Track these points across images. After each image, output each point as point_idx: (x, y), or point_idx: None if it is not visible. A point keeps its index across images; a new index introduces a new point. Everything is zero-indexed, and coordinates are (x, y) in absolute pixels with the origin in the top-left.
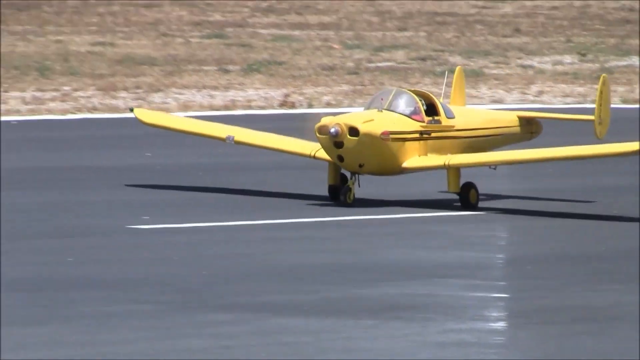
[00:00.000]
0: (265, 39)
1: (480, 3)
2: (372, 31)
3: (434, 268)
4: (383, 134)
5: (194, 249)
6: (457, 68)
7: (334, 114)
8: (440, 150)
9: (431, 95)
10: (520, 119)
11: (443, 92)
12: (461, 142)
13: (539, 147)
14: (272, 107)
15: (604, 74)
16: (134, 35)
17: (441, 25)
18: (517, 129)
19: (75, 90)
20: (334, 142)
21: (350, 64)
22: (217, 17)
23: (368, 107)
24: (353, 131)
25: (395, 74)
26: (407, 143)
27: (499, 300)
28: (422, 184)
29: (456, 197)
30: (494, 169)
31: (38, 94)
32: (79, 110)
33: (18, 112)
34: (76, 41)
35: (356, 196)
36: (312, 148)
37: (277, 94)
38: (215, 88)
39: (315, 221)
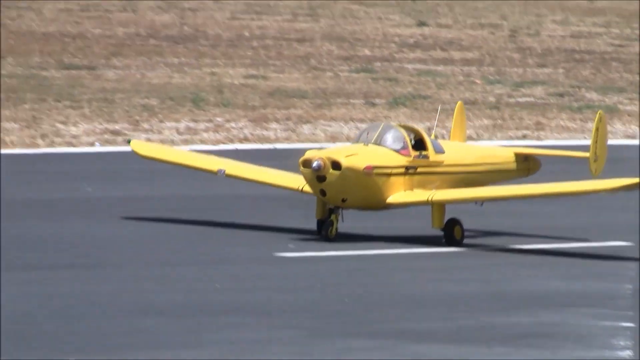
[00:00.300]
0: (411, 74)
1: (616, 41)
2: (512, 67)
3: (562, 297)
4: (366, 168)
5: (335, 277)
6: (458, 103)
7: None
8: (427, 186)
9: (420, 130)
10: (517, 155)
11: (435, 127)
12: (451, 178)
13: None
14: None
15: (600, 110)
16: (285, 68)
17: (579, 63)
18: (513, 165)
19: (228, 121)
20: (317, 176)
21: (491, 99)
22: (366, 52)
23: (356, 141)
24: (335, 165)
25: (533, 109)
26: (392, 178)
27: (627, 329)
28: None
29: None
30: (481, 205)
31: (192, 124)
32: (231, 140)
33: (172, 142)
34: (230, 74)
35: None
36: (301, 182)
37: (421, 126)
38: (362, 120)
39: (450, 251)
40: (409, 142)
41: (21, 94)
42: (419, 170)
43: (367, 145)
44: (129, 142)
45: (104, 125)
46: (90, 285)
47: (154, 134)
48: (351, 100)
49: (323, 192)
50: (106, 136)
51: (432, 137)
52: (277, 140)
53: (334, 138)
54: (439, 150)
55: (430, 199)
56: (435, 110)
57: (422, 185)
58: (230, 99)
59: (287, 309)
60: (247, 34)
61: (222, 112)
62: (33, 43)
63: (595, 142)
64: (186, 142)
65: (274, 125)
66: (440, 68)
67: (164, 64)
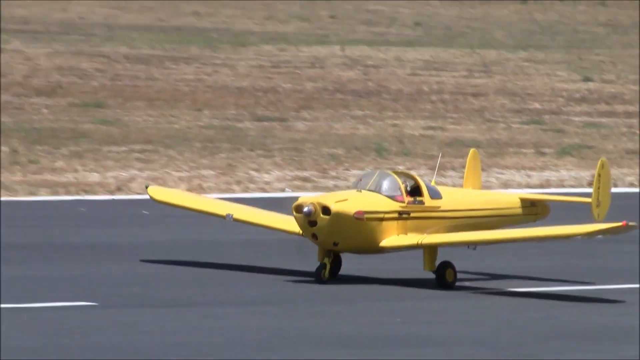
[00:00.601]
0: (577, 125)
1: None
2: None
3: None
4: (357, 213)
5: (505, 311)
6: (471, 150)
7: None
8: (422, 230)
9: (416, 177)
10: (523, 201)
11: (436, 173)
12: (448, 223)
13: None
14: (582, 186)
15: (602, 158)
16: (462, 120)
17: None
18: (519, 211)
19: (409, 169)
20: (308, 221)
21: None
22: (536, 105)
23: (353, 188)
24: (325, 210)
25: None
26: (385, 222)
27: None
28: None
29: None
30: (474, 249)
31: None
32: None
33: None
34: (410, 125)
35: None
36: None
37: (586, 174)
38: (532, 169)
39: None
40: (402, 188)
41: (218, 143)
42: (413, 215)
43: (361, 191)
44: (147, 187)
45: (294, 173)
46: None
47: (341, 180)
48: (522, 150)
49: (315, 236)
50: (296, 182)
51: (432, 183)
52: (454, 186)
53: (506, 185)
54: (436, 196)
55: (420, 242)
56: (596, 160)
57: (418, 230)
58: (410, 148)
59: (459, 341)
60: (426, 88)
61: (403, 160)
62: (228, 97)
63: (598, 188)
64: None
65: (450, 173)
66: (604, 120)
67: (350, 116)
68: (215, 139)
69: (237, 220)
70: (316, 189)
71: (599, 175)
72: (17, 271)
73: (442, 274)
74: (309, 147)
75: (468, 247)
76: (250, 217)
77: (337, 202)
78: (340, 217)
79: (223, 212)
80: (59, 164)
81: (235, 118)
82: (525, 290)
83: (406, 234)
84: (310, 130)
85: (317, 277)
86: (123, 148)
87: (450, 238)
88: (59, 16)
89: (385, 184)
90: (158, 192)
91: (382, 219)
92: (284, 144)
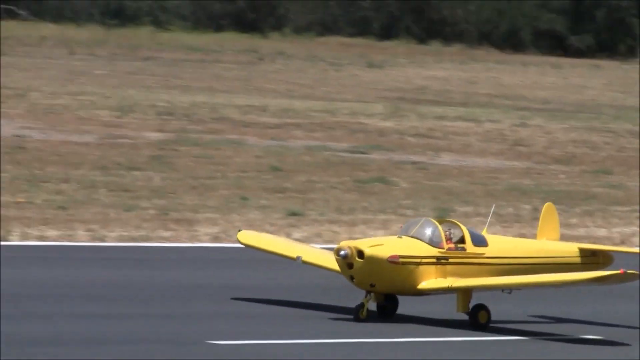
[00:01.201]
0: None
1: None
2: None
3: None
4: (392, 257)
5: None
6: (546, 205)
7: None
8: (464, 275)
9: (460, 224)
10: (582, 250)
11: (488, 222)
12: (491, 269)
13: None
14: None
15: None
16: None
17: None
18: (577, 260)
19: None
20: (346, 264)
21: None
22: None
23: (398, 235)
24: (360, 254)
25: None
26: (422, 267)
27: None
28: None
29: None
30: (509, 292)
31: None
32: None
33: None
34: None
35: None
36: None
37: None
38: None
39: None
40: (442, 235)
41: None
42: (452, 260)
43: (401, 237)
44: (239, 231)
45: None
46: None
47: None
48: None
49: (352, 278)
50: None
51: (483, 232)
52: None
53: None
54: (480, 244)
55: (451, 285)
56: None
57: (459, 275)
58: None
59: None
60: None
61: None
62: None
63: None
64: None
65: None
66: None
67: None
68: None
69: (305, 263)
70: None
71: None
72: None
73: (474, 316)
74: None
75: (503, 291)
76: (318, 260)
77: (371, 246)
78: (374, 260)
79: (294, 255)
80: (573, 220)
81: None
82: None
83: (445, 277)
84: None
85: (355, 316)
86: (626, 208)
87: (479, 282)
88: (574, 98)
89: (426, 231)
90: (247, 237)
91: (419, 264)
92: None
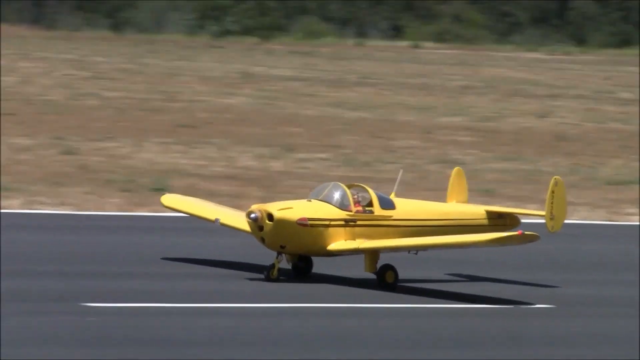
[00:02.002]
0: None
1: None
2: None
3: None
4: (301, 219)
5: None
6: (455, 169)
7: None
8: (373, 237)
9: (368, 189)
10: (489, 212)
11: (396, 186)
12: (399, 230)
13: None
14: None
15: (556, 177)
16: None
17: None
18: (484, 222)
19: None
20: (257, 226)
21: None
22: None
23: (308, 198)
24: (269, 216)
25: None
26: (331, 229)
27: None
28: None
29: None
30: (415, 254)
31: None
32: None
33: None
34: None
35: None
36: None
37: None
38: None
39: None
40: (351, 198)
41: None
42: (360, 223)
43: (311, 200)
44: (163, 194)
45: None
46: None
47: None
48: None
49: (263, 240)
50: None
51: (392, 195)
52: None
53: None
54: (388, 206)
55: (358, 247)
56: None
57: (366, 236)
58: None
59: None
60: None
61: None
62: None
63: (551, 203)
64: None
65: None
66: None
67: None
68: None
69: (223, 225)
70: None
71: (552, 191)
72: None
73: (382, 275)
74: None
75: (409, 252)
76: (235, 222)
77: (280, 209)
78: (283, 222)
79: (212, 217)
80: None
81: None
82: None
83: (353, 239)
84: None
85: (266, 275)
86: None
87: (385, 244)
88: None
89: (334, 195)
90: (170, 200)
91: (327, 226)
92: None
